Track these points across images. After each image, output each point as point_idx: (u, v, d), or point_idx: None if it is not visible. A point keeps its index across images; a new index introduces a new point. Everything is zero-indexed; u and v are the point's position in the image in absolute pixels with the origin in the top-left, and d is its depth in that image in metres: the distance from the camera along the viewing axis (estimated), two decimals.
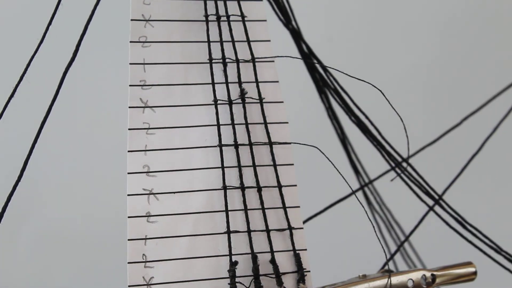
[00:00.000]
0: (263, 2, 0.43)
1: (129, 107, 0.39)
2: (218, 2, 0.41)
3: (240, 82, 0.40)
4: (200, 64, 0.41)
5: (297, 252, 0.38)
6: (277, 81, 0.41)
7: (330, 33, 0.78)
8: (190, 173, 0.39)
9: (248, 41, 0.41)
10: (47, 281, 0.78)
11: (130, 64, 0.40)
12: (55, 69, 0.41)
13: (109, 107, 0.66)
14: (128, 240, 0.37)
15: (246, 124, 0.39)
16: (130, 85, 0.40)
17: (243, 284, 0.37)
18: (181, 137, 0.39)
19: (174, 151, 0.39)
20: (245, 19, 0.41)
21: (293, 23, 0.49)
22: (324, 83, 0.49)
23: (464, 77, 0.93)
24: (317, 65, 0.48)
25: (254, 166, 0.39)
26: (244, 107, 0.40)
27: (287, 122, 0.41)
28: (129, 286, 0.37)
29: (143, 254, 0.37)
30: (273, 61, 0.42)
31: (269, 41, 0.42)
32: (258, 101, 0.40)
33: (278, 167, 0.39)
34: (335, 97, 0.49)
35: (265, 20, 0.42)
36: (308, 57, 0.48)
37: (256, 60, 0.41)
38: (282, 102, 0.41)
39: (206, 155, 0.39)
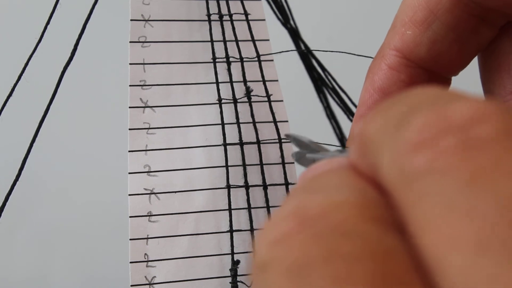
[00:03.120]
0: (262, 1, 0.43)
1: (129, 107, 0.40)
2: (220, 1, 0.41)
3: (245, 81, 0.40)
4: (200, 64, 0.41)
5: None
6: (277, 80, 0.42)
7: (329, 32, 0.78)
8: (191, 172, 0.39)
9: (253, 39, 0.41)
10: (47, 281, 0.77)
11: (130, 64, 0.40)
12: (54, 68, 0.41)
13: (109, 107, 0.66)
14: (130, 239, 0.37)
15: (254, 122, 0.40)
16: (130, 85, 0.40)
17: (244, 283, 0.37)
18: (182, 136, 0.40)
19: (174, 151, 0.39)
20: (241, 19, 0.41)
21: (291, 22, 0.49)
22: (322, 82, 0.49)
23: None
24: (315, 64, 0.49)
25: (261, 164, 0.39)
26: (250, 105, 0.40)
27: (287, 121, 0.41)
28: (131, 285, 0.37)
29: (145, 254, 0.37)
30: (272, 60, 0.42)
31: (268, 40, 0.42)
32: (263, 99, 0.40)
33: (279, 165, 0.40)
34: (333, 96, 0.49)
35: (264, 20, 0.42)
36: (306, 56, 0.49)
37: (261, 58, 0.41)
38: (282, 101, 0.41)
39: (207, 154, 0.39)
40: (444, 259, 0.11)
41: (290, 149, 0.40)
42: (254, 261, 0.14)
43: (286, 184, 0.39)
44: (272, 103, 0.41)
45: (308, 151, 0.22)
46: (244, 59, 0.41)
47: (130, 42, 0.40)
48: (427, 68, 0.23)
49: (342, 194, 0.13)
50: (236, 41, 0.41)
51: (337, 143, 0.54)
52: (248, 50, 0.41)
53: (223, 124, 0.39)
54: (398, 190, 0.12)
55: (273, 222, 0.14)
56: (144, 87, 0.40)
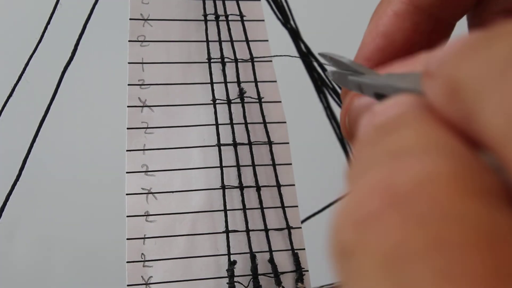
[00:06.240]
0: (261, 2, 0.43)
1: (128, 106, 0.39)
2: (217, 1, 0.41)
3: (239, 82, 0.40)
4: (199, 64, 0.41)
5: (296, 251, 0.38)
6: (275, 81, 0.41)
7: (330, 32, 0.78)
8: (188, 172, 0.39)
9: (247, 40, 0.41)
10: (45, 279, 0.77)
11: (129, 63, 0.40)
12: (54, 68, 0.41)
13: (107, 106, 0.66)
14: (127, 239, 0.37)
15: (246, 123, 0.39)
16: (128, 84, 0.40)
17: (242, 284, 0.37)
18: (180, 136, 0.39)
19: (172, 151, 0.39)
20: (244, 19, 0.41)
21: (292, 22, 0.49)
22: (322, 82, 0.49)
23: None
24: (315, 64, 0.48)
25: (253, 165, 0.39)
26: (243, 107, 0.40)
27: (285, 122, 0.41)
28: (128, 285, 0.37)
29: (142, 254, 0.37)
30: (271, 61, 0.42)
31: (267, 41, 0.42)
32: (257, 100, 0.40)
33: (276, 167, 0.39)
34: (333, 97, 0.49)
35: (263, 20, 0.42)
36: (307, 56, 0.48)
37: (255, 59, 0.41)
38: (280, 102, 0.41)
39: (204, 154, 0.39)
40: None
41: (283, 150, 0.40)
42: (334, 243, 0.12)
43: (278, 186, 0.39)
44: (270, 104, 0.41)
45: (349, 72, 0.20)
46: (239, 60, 0.40)
47: (129, 41, 0.40)
48: (433, 14, 0.22)
49: (436, 161, 0.11)
50: (231, 42, 0.40)
51: (338, 144, 0.54)
52: (246, 51, 0.41)
53: (217, 124, 0.39)
54: (506, 145, 0.10)
55: (355, 197, 0.12)
56: (142, 86, 0.40)
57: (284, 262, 0.38)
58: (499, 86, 0.11)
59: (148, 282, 0.37)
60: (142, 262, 0.37)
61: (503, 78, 0.11)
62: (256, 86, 0.40)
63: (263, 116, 0.40)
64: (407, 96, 0.14)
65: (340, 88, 0.48)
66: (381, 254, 0.10)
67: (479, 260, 0.10)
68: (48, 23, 0.41)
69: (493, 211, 0.10)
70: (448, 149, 0.11)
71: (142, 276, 0.37)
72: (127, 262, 0.37)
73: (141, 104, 0.40)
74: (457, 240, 0.10)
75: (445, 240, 0.10)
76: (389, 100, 0.14)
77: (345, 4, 0.81)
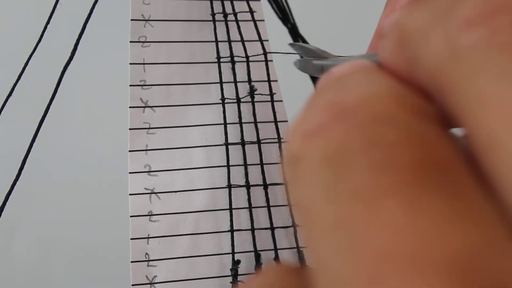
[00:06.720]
0: (261, 2, 0.43)
1: (130, 107, 0.40)
2: (224, 1, 0.41)
3: (249, 80, 0.40)
4: (201, 64, 0.41)
5: (300, 249, 0.39)
6: (276, 80, 0.42)
7: (330, 32, 0.78)
8: (191, 172, 0.39)
9: (260, 39, 0.41)
10: (45, 279, 0.77)
11: (130, 64, 0.40)
12: (54, 68, 0.41)
13: (109, 107, 0.66)
14: (131, 239, 0.37)
15: (255, 122, 0.40)
16: (130, 85, 0.40)
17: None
18: (182, 136, 0.40)
19: (175, 151, 0.39)
20: (244, 19, 0.41)
21: (292, 21, 0.49)
22: None
23: None
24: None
25: (261, 164, 0.39)
26: (253, 105, 0.40)
27: (287, 121, 0.41)
28: (132, 285, 0.37)
29: (146, 253, 0.37)
30: (271, 61, 0.42)
31: (267, 40, 0.42)
32: (267, 98, 0.40)
33: (279, 165, 0.40)
34: None
35: (263, 20, 0.43)
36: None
37: (261, 57, 0.41)
38: (281, 101, 0.41)
39: (207, 154, 0.39)
40: (503, 139, 0.10)
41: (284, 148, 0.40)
42: (286, 156, 0.13)
43: (286, 183, 0.39)
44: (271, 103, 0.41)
45: (315, 58, 0.21)
46: (250, 58, 0.41)
47: (130, 42, 0.40)
48: None
49: (379, 87, 0.13)
50: (242, 40, 0.41)
51: None
52: (249, 50, 0.41)
53: (225, 123, 0.39)
54: (446, 69, 0.11)
55: (306, 114, 0.13)
56: (144, 87, 0.40)
57: (288, 260, 0.39)
58: (443, 20, 0.12)
59: (153, 282, 0.37)
60: (146, 262, 0.37)
61: (446, 16, 0.12)
62: (269, 82, 0.41)
63: (275, 113, 0.40)
64: (362, 60, 0.16)
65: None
66: (326, 155, 0.12)
67: (407, 155, 0.11)
68: (48, 22, 0.41)
69: (424, 124, 0.12)
70: (390, 83, 0.13)
71: (146, 276, 0.37)
72: (131, 262, 0.37)
73: (143, 105, 0.40)
74: (391, 139, 0.12)
75: (381, 139, 0.12)
76: (345, 63, 0.16)
77: (346, 4, 0.82)
